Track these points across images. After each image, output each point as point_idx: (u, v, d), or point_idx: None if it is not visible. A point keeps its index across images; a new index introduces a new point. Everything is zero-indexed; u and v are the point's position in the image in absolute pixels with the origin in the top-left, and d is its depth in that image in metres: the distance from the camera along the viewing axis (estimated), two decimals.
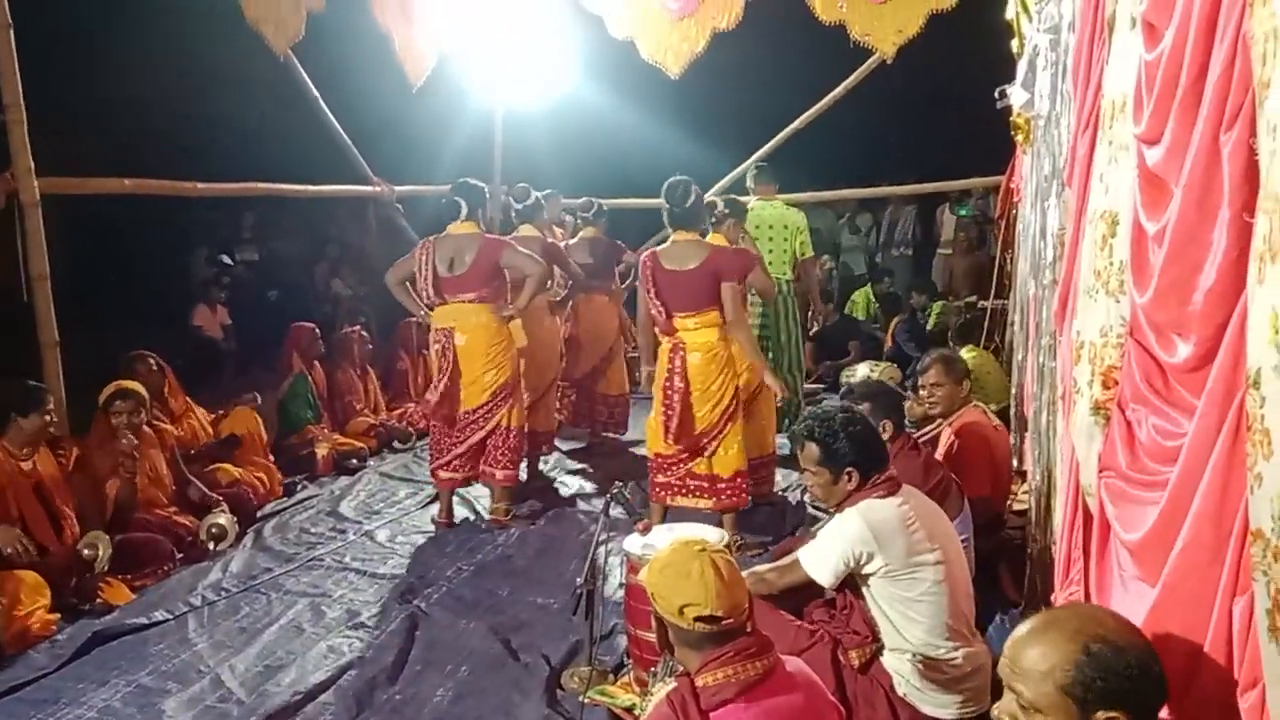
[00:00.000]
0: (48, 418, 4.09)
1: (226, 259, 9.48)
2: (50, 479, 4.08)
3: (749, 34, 6.77)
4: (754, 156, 8.16)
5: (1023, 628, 1.58)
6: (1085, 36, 2.42)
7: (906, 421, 3.90)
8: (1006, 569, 3.95)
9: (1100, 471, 2.03)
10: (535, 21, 7.57)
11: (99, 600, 3.96)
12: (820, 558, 2.69)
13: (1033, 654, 1.48)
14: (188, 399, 5.41)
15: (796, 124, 7.99)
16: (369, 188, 7.64)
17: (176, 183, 5.88)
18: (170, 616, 3.85)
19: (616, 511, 3.56)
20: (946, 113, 9.55)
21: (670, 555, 2.03)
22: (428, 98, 7.48)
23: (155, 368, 5.10)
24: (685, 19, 6.88)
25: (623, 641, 3.48)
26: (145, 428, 4.64)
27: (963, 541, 3.07)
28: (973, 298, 7.98)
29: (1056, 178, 2.96)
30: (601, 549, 3.27)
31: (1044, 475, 3.17)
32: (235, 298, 8.78)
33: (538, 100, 8.38)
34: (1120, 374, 1.99)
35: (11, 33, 4.59)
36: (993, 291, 7.22)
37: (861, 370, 7.57)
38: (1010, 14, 4.42)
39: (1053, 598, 2.71)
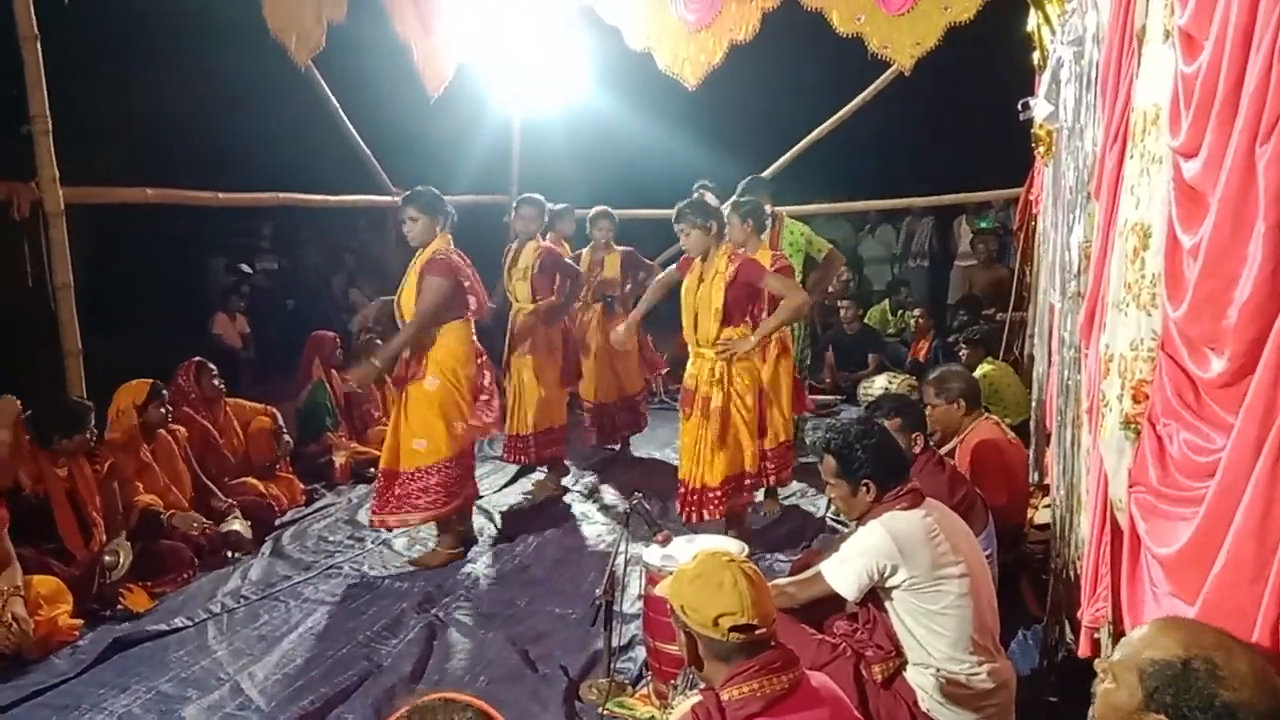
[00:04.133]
0: (89, 435, 4.15)
1: (246, 268, 9.53)
2: (84, 487, 4.12)
3: (766, 46, 6.77)
4: (772, 168, 8.16)
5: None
6: (1113, 49, 2.40)
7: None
8: (1028, 583, 3.93)
9: (1130, 486, 2.01)
10: (553, 32, 7.61)
11: (120, 606, 3.99)
12: (843, 570, 2.68)
13: (1150, 631, 1.48)
14: (227, 409, 5.43)
15: (814, 135, 7.99)
16: (388, 198, 7.68)
17: (198, 193, 5.93)
18: (190, 623, 3.87)
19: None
20: (965, 124, 9.52)
21: (699, 567, 2.03)
22: (446, 108, 7.51)
23: (194, 377, 5.16)
24: (702, 31, 6.89)
25: (641, 653, 3.47)
26: (162, 430, 4.72)
27: (986, 556, 3.05)
28: (991, 309, 7.94)
29: (1082, 190, 2.94)
30: (620, 560, 3.26)
31: (1068, 490, 3.14)
32: (254, 306, 8.82)
33: (555, 111, 8.42)
34: (1151, 388, 1.97)
35: (39, 44, 4.65)
36: (1011, 303, 7.20)
37: (880, 382, 7.54)
38: (1031, 26, 4.41)
39: (1078, 614, 2.68)
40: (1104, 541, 2.38)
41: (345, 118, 7.03)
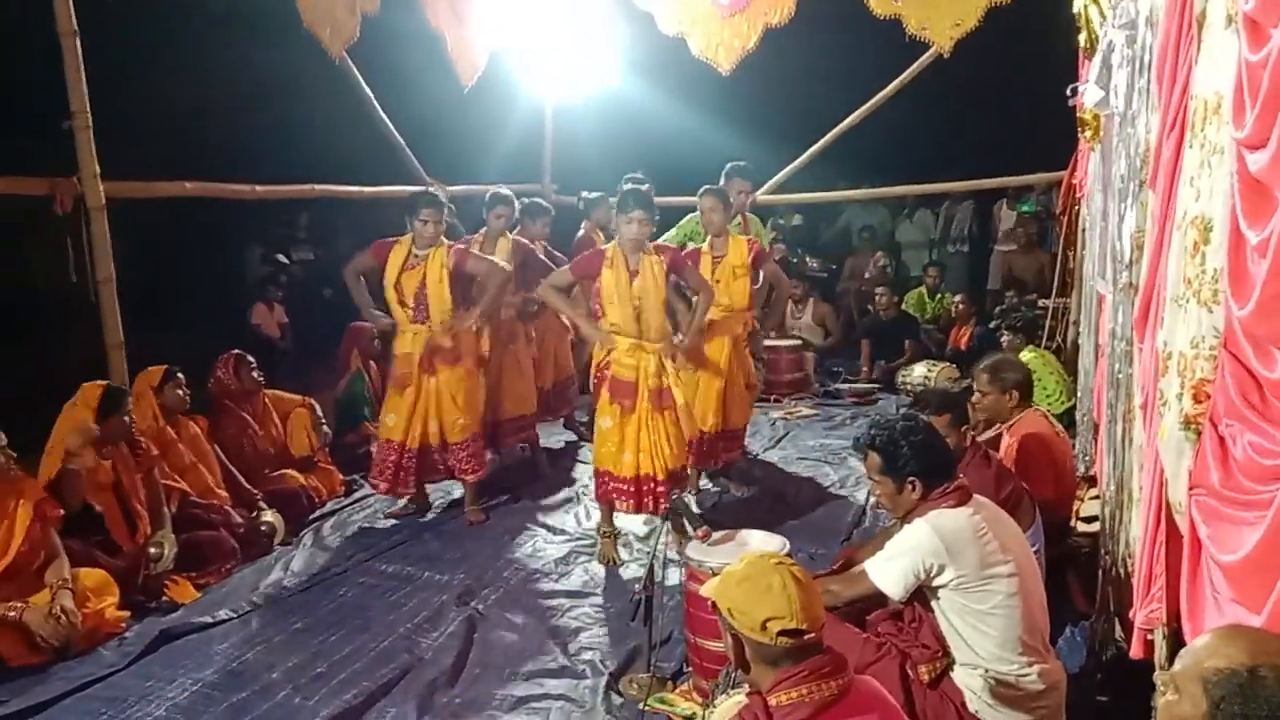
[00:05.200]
0: (127, 418, 4.20)
1: (283, 258, 9.60)
2: (127, 480, 4.17)
3: (801, 29, 6.68)
4: (808, 153, 8.09)
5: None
6: (1170, 35, 2.32)
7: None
8: (1075, 578, 3.86)
9: (1191, 489, 1.95)
10: (585, 19, 7.55)
11: (165, 598, 4.04)
12: (889, 569, 2.63)
13: (1213, 639, 1.43)
14: (266, 400, 5.44)
15: (851, 119, 7.88)
16: (423, 188, 7.68)
17: (235, 185, 5.98)
18: (234, 615, 3.91)
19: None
20: (1005, 107, 9.36)
21: (747, 569, 1.99)
22: (478, 97, 7.49)
23: (234, 370, 5.21)
24: (736, 15, 6.82)
25: (682, 648, 3.45)
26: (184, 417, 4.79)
27: (1034, 553, 3.00)
28: (1033, 295, 7.81)
29: (1134, 178, 2.86)
30: (659, 555, 3.24)
31: (1118, 485, 3.07)
32: (292, 297, 8.88)
33: (588, 99, 8.37)
34: (1213, 387, 1.91)
35: (78, 40, 4.68)
36: (1054, 289, 7.07)
37: (919, 370, 7.44)
38: (1077, 7, 4.29)
39: (1130, 614, 2.62)
40: (1158, 541, 2.32)
41: (379, 108, 7.03)
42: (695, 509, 3.68)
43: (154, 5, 6.29)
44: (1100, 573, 3.29)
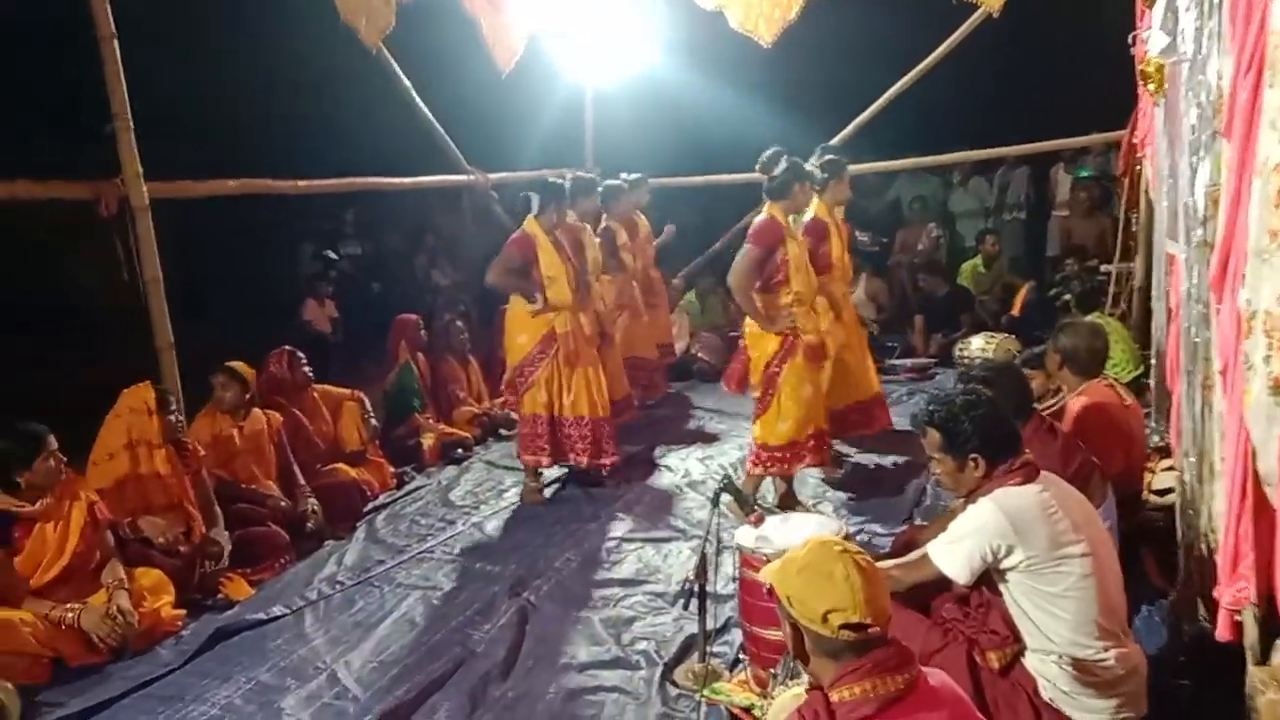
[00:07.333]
0: (173, 418, 4.21)
1: (331, 254, 9.67)
2: (179, 483, 4.18)
3: None
4: (854, 123, 7.88)
5: None
6: None
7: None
8: (1150, 554, 3.68)
9: None
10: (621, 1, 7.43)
11: (220, 595, 4.05)
12: (954, 552, 2.50)
13: None
14: (315, 395, 5.43)
15: (898, 87, 7.65)
16: (464, 177, 7.65)
17: (277, 181, 5.98)
18: (288, 611, 3.91)
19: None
20: (1057, 67, 9.03)
21: (808, 556, 1.88)
22: (516, 83, 7.42)
23: (287, 365, 5.22)
24: None
25: (737, 637, 3.36)
26: (255, 410, 4.80)
27: (1106, 528, 2.84)
28: (1094, 261, 7.52)
29: (1206, 128, 2.67)
30: (711, 542, 3.14)
31: (1198, 457, 2.89)
32: (341, 291, 8.93)
33: (626, 80, 8.25)
34: None
35: (116, 43, 4.69)
36: (1116, 254, 6.80)
37: (976, 343, 7.18)
38: None
39: (1215, 592, 2.46)
40: (1244, 516, 2.16)
41: (418, 98, 6.99)
42: (743, 491, 3.56)
43: (187, 4, 6.29)
44: (1180, 549, 3.12)
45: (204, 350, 5.00)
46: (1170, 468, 4.24)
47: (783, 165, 4.59)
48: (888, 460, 5.40)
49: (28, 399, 4.12)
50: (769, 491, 4.78)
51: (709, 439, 6.13)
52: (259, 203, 6.83)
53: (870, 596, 1.79)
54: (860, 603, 1.77)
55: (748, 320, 4.63)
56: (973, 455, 2.55)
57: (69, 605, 3.52)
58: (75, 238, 5.40)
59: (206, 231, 8.31)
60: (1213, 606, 2.50)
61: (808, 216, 5.16)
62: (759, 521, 3.19)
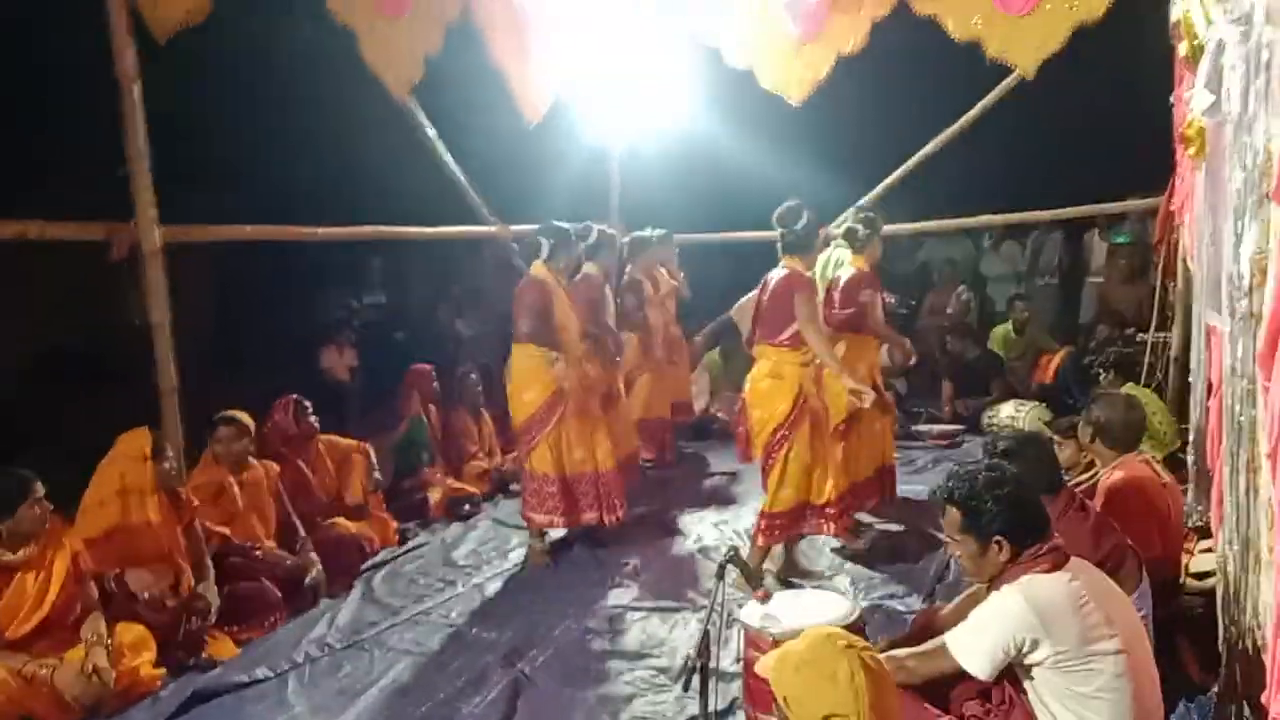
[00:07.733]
0: (168, 465, 4.09)
1: (354, 302, 9.66)
2: (171, 533, 4.05)
3: (875, 57, 6.41)
4: (884, 184, 7.76)
5: None
6: None
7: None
8: (1187, 644, 3.42)
9: None
10: (650, 56, 7.41)
11: (204, 655, 3.88)
12: (975, 645, 2.29)
13: None
14: (319, 446, 5.29)
15: (929, 147, 7.52)
16: (486, 228, 7.59)
17: (295, 228, 5.92)
18: (272, 674, 3.74)
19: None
20: (1093, 132, 8.89)
21: (808, 651, 1.68)
22: (543, 133, 7.39)
23: (293, 415, 5.09)
24: (808, 44, 6.58)
25: (741, 718, 3.13)
26: (252, 460, 4.65)
27: (1141, 619, 2.61)
28: (1131, 329, 7.28)
29: (1253, 192, 2.49)
30: (715, 618, 2.93)
31: (1243, 545, 2.66)
32: (364, 340, 8.88)
33: (654, 135, 8.21)
34: None
35: (138, 86, 4.68)
36: (1153, 323, 6.57)
37: (1006, 410, 7.00)
38: (1177, 15, 3.92)
39: (1263, 698, 2.22)
40: None
41: (444, 149, 6.97)
42: (750, 565, 3.36)
43: (217, 52, 6.32)
44: (1223, 646, 2.87)
45: (220, 397, 4.89)
46: (1209, 549, 3.99)
47: (805, 218, 4.45)
48: (910, 531, 5.15)
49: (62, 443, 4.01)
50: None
51: (725, 502, 5.92)
52: (286, 249, 6.80)
53: (875, 700, 1.60)
54: (864, 709, 1.58)
55: (753, 377, 4.46)
56: (997, 539, 2.36)
57: (43, 661, 3.37)
58: (88, 280, 5.33)
59: (231, 278, 8.34)
60: (1261, 713, 2.27)
61: (847, 272, 5.03)
62: (766, 598, 2.99)
